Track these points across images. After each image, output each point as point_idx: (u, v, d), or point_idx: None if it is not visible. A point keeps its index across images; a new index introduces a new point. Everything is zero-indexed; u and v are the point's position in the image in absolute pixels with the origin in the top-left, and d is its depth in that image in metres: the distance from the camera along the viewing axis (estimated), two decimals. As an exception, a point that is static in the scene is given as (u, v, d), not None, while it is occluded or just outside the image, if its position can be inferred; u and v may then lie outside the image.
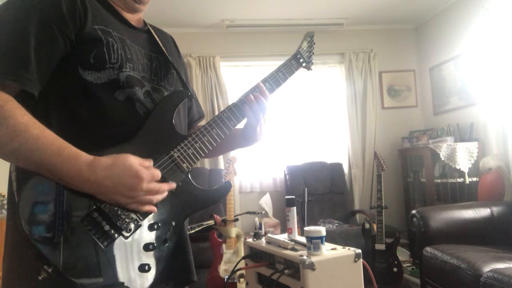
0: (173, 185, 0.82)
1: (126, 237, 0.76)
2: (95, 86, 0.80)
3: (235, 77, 4.16)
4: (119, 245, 0.75)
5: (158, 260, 0.79)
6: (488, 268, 2.08)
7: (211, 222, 2.84)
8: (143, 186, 0.74)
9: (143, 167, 0.75)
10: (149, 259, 0.78)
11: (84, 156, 0.73)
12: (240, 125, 1.00)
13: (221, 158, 3.97)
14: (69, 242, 0.71)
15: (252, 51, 4.13)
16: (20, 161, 0.72)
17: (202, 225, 2.81)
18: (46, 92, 0.78)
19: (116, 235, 0.75)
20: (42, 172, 0.71)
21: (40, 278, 0.68)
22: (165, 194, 0.80)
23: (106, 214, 0.75)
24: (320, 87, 4.29)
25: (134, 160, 0.74)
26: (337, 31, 4.23)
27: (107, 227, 0.74)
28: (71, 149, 0.72)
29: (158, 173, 0.78)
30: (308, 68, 1.14)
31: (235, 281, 2.48)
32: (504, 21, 3.09)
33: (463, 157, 3.29)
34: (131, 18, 0.96)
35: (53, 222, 0.70)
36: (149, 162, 0.78)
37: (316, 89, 4.28)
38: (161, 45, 0.99)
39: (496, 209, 2.76)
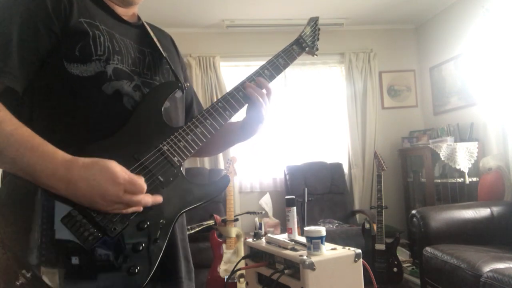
0: (158, 198, 0.75)
1: (112, 237, 0.70)
2: (82, 79, 0.76)
3: (235, 77, 4.16)
4: (104, 246, 0.69)
5: (148, 262, 0.72)
6: (488, 268, 2.08)
7: (211, 222, 2.84)
8: (120, 194, 0.67)
9: (124, 173, 0.69)
10: (138, 261, 0.71)
11: (61, 155, 0.68)
12: (236, 118, 0.95)
13: (221, 158, 3.97)
14: (49, 244, 0.66)
15: (252, 51, 4.13)
16: None
17: (202, 225, 2.82)
18: (31, 88, 0.75)
19: (100, 235, 0.69)
20: (16, 172, 0.67)
21: (18, 283, 0.64)
22: (149, 205, 0.73)
23: (88, 213, 0.69)
24: (320, 87, 4.29)
25: (114, 164, 0.68)
26: (337, 31, 4.23)
27: (89, 227, 0.68)
28: (47, 147, 0.68)
29: (141, 185, 0.70)
30: (312, 53, 1.06)
31: (235, 281, 2.48)
32: (504, 21, 3.09)
33: (463, 157, 3.29)
34: (124, 13, 0.92)
35: (30, 223, 0.66)
36: (138, 176, 0.71)
37: (316, 89, 4.28)
38: (155, 40, 0.94)
39: (496, 209, 2.76)
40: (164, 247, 0.75)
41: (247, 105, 0.94)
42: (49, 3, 0.75)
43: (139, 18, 0.98)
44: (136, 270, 0.70)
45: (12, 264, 0.65)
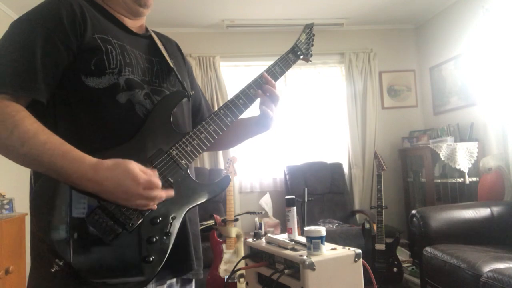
0: (171, 193, 0.85)
1: (130, 232, 0.80)
2: (98, 91, 0.86)
3: (235, 77, 4.17)
4: (123, 239, 0.80)
5: (160, 252, 0.83)
6: (488, 268, 2.08)
7: (211, 222, 2.84)
8: (140, 191, 0.78)
9: (142, 173, 0.79)
10: (152, 251, 0.82)
11: (88, 158, 0.78)
12: (247, 114, 1.04)
13: (221, 158, 3.98)
14: (77, 238, 0.76)
15: (252, 51, 4.13)
16: (31, 164, 0.79)
17: (202, 225, 2.81)
18: (53, 100, 0.85)
19: (119, 229, 0.79)
20: (51, 174, 0.77)
21: (52, 270, 0.74)
22: (163, 199, 0.83)
23: (110, 211, 0.79)
24: (320, 87, 4.29)
25: (134, 165, 0.79)
26: (337, 31, 4.23)
27: (111, 223, 0.79)
28: (76, 152, 0.78)
29: (157, 182, 0.81)
30: (306, 60, 1.15)
31: (235, 281, 2.48)
32: (504, 21, 3.09)
33: (463, 157, 3.29)
34: (133, 25, 1.00)
35: (61, 219, 0.76)
36: (152, 171, 0.82)
37: (316, 89, 4.28)
38: (162, 49, 1.02)
39: (496, 209, 2.76)
40: (173, 239, 0.85)
41: (259, 100, 1.03)
42: (66, 22, 0.83)
43: (146, 29, 1.06)
44: (151, 259, 0.81)
45: (48, 254, 0.76)
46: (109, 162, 0.78)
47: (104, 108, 0.86)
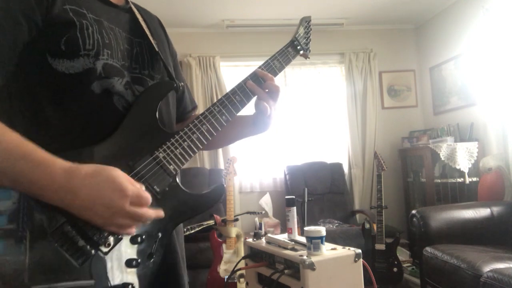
0: (160, 213, 0.70)
1: (105, 253, 0.66)
2: (68, 77, 0.69)
3: (235, 77, 4.16)
4: (97, 262, 0.65)
5: (143, 278, 0.69)
6: (488, 268, 2.08)
7: (211, 222, 2.84)
8: (125, 207, 0.62)
9: (131, 185, 0.64)
10: (133, 277, 0.67)
11: (59, 162, 0.62)
12: (243, 112, 0.92)
13: (221, 158, 3.97)
14: (37, 262, 0.60)
15: (252, 51, 4.13)
16: None
17: (202, 225, 2.82)
18: (9, 87, 0.68)
19: (92, 251, 0.64)
20: (4, 183, 0.60)
21: None
22: (150, 220, 0.69)
23: (80, 227, 0.63)
24: (320, 87, 4.29)
25: (120, 173, 0.64)
26: (337, 31, 4.23)
27: (81, 243, 0.63)
28: (42, 153, 0.61)
29: (148, 197, 0.66)
30: (305, 56, 1.03)
31: (235, 281, 2.48)
32: (504, 21, 3.09)
33: (463, 157, 3.29)
34: None
35: (15, 238, 0.59)
36: (140, 185, 0.68)
37: (316, 89, 4.28)
38: (144, 27, 0.85)
39: (496, 209, 2.76)
40: (160, 262, 0.72)
41: (256, 98, 0.90)
42: None
43: (127, 1, 0.88)
44: None
45: None
46: (87, 168, 0.62)
47: (75, 99, 0.71)
